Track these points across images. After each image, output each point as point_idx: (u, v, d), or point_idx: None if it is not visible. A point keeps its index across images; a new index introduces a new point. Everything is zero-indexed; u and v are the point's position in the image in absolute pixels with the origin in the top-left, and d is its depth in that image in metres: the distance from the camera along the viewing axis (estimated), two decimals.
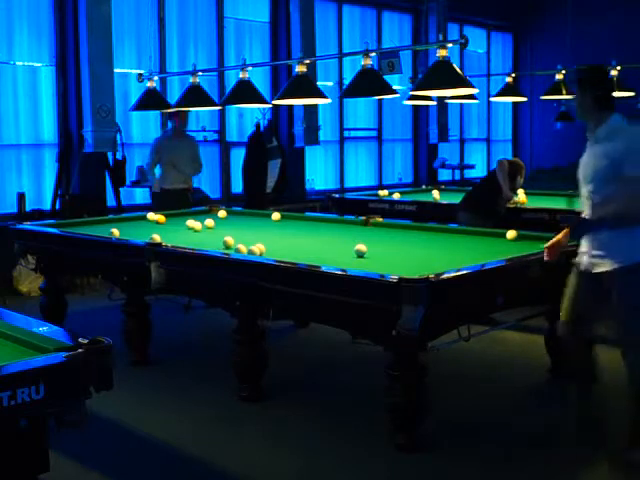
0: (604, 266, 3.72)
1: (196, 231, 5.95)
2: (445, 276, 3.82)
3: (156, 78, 7.40)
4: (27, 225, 6.28)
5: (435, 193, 8.61)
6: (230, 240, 5.08)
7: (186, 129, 8.24)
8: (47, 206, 8.47)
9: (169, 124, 8.27)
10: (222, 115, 10.22)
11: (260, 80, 9.69)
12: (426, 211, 7.86)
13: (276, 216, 6.63)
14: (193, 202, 8.06)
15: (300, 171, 10.99)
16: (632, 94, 9.08)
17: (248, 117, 10.46)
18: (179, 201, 7.74)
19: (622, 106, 12.87)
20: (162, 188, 7.95)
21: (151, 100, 7.27)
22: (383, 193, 8.83)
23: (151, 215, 6.63)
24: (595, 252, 3.76)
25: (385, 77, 5.70)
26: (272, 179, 10.05)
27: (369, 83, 5.55)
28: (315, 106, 10.40)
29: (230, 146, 10.43)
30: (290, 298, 4.26)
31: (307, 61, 5.98)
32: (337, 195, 9.31)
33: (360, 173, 12.54)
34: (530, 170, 12.77)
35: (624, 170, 3.56)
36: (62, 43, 8.66)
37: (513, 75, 9.21)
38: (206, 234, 5.86)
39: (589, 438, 3.91)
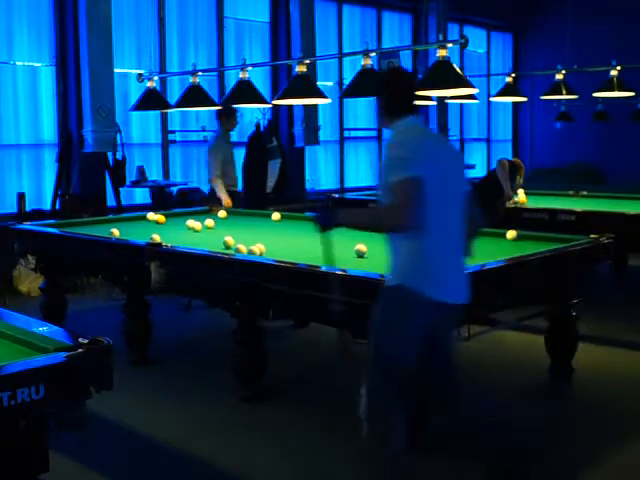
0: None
1: (196, 231, 5.95)
2: None
3: (156, 78, 7.40)
4: (27, 225, 6.28)
5: None
6: (230, 240, 5.08)
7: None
8: (47, 206, 8.47)
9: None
10: None
11: (260, 80, 9.69)
12: None
13: (276, 216, 6.63)
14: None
15: (300, 171, 10.98)
16: (632, 94, 9.08)
17: (248, 117, 10.46)
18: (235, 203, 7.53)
19: (622, 106, 12.80)
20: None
21: (151, 100, 7.27)
22: None
23: (151, 215, 6.63)
24: None
25: None
26: (272, 179, 10.05)
27: (369, 83, 5.55)
28: (315, 106, 10.40)
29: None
30: (290, 298, 4.26)
31: (307, 61, 5.98)
32: (337, 195, 9.31)
33: (360, 173, 12.54)
34: (530, 170, 12.78)
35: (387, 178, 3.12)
36: (62, 43, 8.66)
37: (513, 75, 9.20)
38: (206, 234, 5.86)
39: None
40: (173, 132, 9.82)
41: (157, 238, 5.17)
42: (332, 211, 3.36)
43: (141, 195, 9.36)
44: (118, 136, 8.59)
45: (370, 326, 3.22)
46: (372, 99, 11.29)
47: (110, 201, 8.62)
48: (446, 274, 3.17)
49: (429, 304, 3.08)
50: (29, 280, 7.61)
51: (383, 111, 3.33)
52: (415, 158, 3.05)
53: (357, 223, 3.33)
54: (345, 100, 11.34)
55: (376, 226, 3.22)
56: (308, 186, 11.21)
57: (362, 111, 12.45)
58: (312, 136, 10.57)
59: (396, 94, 3.29)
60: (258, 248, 4.69)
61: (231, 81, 8.52)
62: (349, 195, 9.61)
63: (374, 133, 12.68)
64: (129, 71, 9.28)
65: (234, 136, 10.48)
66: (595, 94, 9.27)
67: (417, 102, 3.34)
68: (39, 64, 8.66)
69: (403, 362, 3.15)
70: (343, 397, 4.74)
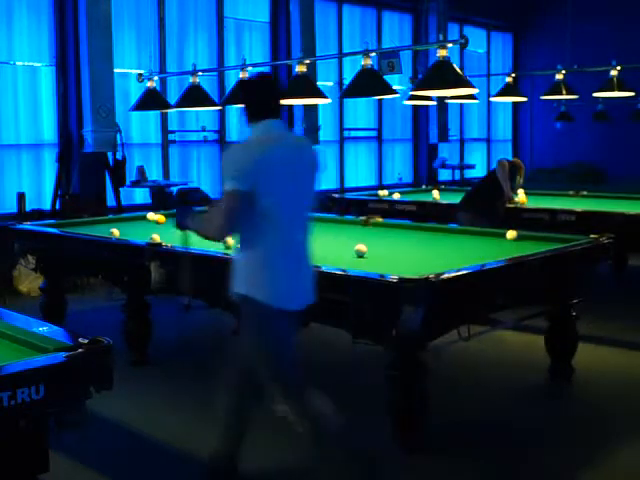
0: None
1: None
2: (445, 276, 3.81)
3: (156, 78, 7.41)
4: (27, 225, 6.28)
5: (435, 193, 8.61)
6: (230, 240, 5.07)
7: None
8: (47, 206, 8.48)
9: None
10: (222, 115, 10.22)
11: None
12: (426, 211, 7.87)
13: None
14: None
15: None
16: (632, 94, 9.09)
17: None
18: None
19: (622, 106, 12.82)
20: None
21: (151, 100, 7.28)
22: (383, 193, 8.83)
23: (151, 215, 6.63)
24: None
25: (385, 77, 5.71)
26: None
27: (369, 83, 5.55)
28: (315, 106, 10.40)
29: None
30: None
31: (307, 61, 5.99)
32: (337, 195, 9.30)
33: (360, 173, 12.54)
34: (530, 170, 12.79)
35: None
36: (62, 43, 8.66)
37: (513, 75, 9.21)
38: None
39: None
40: (173, 132, 9.83)
41: (157, 238, 5.16)
42: (188, 213, 3.47)
43: (141, 195, 9.36)
44: (118, 136, 8.60)
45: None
46: (372, 99, 11.35)
47: (110, 201, 8.62)
48: (288, 282, 3.21)
49: (275, 313, 3.14)
50: (29, 280, 7.61)
51: (246, 117, 3.39)
52: (248, 171, 3.07)
53: (194, 229, 3.40)
54: (345, 100, 11.34)
55: (203, 234, 3.31)
56: None
57: (362, 111, 12.46)
58: (312, 136, 10.56)
59: (253, 99, 3.34)
60: None
61: (231, 81, 8.53)
62: (349, 195, 9.61)
63: (374, 133, 12.68)
64: (129, 71, 9.28)
65: (234, 136, 10.53)
66: (595, 94, 9.28)
67: (278, 106, 3.39)
68: (39, 64, 8.66)
69: (279, 361, 3.30)
70: (343, 397, 4.74)
